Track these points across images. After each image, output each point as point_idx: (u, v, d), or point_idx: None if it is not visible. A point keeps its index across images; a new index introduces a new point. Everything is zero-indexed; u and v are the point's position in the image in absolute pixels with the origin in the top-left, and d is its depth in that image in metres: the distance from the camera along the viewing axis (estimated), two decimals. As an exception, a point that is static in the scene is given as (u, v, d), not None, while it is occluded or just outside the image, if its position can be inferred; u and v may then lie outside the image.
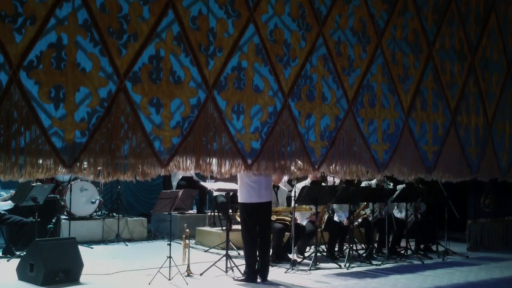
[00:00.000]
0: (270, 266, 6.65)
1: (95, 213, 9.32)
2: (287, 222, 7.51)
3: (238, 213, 7.17)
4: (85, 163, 5.06)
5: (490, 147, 8.32)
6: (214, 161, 5.67)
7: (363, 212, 8.43)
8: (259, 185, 6.36)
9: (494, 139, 8.36)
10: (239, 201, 6.49)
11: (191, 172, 10.43)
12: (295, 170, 6.29)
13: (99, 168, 5.16)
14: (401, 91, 7.22)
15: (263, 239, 6.42)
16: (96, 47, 4.86)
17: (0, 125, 4.57)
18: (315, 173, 6.61)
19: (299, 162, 6.70)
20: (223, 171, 5.81)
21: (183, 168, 5.54)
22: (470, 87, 8.01)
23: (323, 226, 8.08)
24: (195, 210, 10.46)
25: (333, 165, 6.59)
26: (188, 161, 5.55)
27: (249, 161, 5.88)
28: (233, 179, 7.35)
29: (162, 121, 5.33)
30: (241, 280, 6.33)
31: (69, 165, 4.91)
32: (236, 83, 5.75)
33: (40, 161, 4.76)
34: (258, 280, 6.31)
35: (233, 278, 6.44)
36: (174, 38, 5.29)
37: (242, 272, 6.42)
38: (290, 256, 7.30)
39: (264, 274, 6.38)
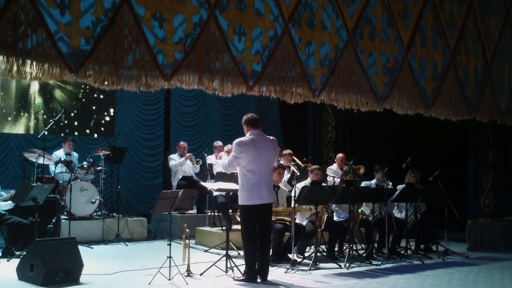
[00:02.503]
0: (270, 266, 6.64)
1: (95, 213, 9.31)
2: (287, 222, 7.50)
3: (238, 214, 7.16)
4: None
5: (489, 88, 8.46)
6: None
7: (360, 211, 8.44)
8: (259, 186, 6.24)
9: (493, 81, 8.52)
10: (239, 203, 6.42)
11: (191, 172, 10.45)
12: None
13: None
14: (400, 26, 7.36)
15: (263, 240, 6.38)
16: None
17: (7, 26, 4.76)
18: (315, 99, 6.69)
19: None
20: (225, 90, 5.95)
21: (186, 84, 5.70)
22: (469, 28, 8.16)
23: (323, 226, 8.08)
24: (195, 210, 10.46)
25: (333, 94, 6.79)
26: (191, 77, 5.74)
27: (251, 82, 6.07)
28: (233, 179, 7.35)
29: (165, 36, 5.50)
30: (241, 280, 6.31)
31: (74, 70, 5.11)
32: (237, 4, 5.91)
33: (47, 65, 4.98)
34: (258, 280, 6.31)
35: (233, 278, 6.43)
36: None
37: (242, 272, 6.41)
38: (290, 256, 7.29)
39: (264, 274, 6.36)
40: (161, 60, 5.54)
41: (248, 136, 6.35)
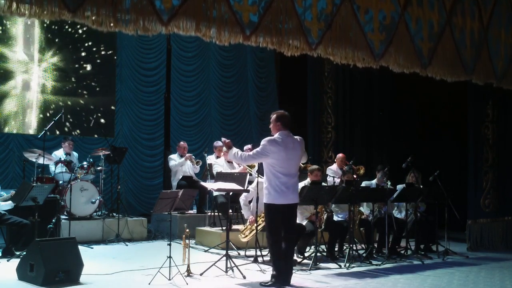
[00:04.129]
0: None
1: (95, 213, 9.31)
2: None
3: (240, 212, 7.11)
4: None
5: (485, 51, 8.56)
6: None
7: (358, 211, 8.45)
8: (287, 188, 6.09)
9: (489, 44, 8.59)
10: (264, 201, 6.25)
11: (191, 172, 10.45)
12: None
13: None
14: None
15: (287, 242, 6.20)
16: None
17: None
18: (311, 53, 6.71)
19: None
20: (222, 39, 6.07)
21: (184, 30, 5.82)
22: None
23: (323, 226, 8.07)
24: (195, 210, 10.46)
25: (330, 48, 6.89)
26: (188, 24, 5.84)
27: (247, 32, 6.16)
28: (233, 179, 7.35)
29: None
30: (268, 286, 6.12)
31: (72, 10, 5.22)
32: None
33: (46, 4, 5.10)
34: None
35: (260, 283, 6.21)
36: None
37: (270, 276, 6.22)
38: (290, 256, 7.28)
39: (286, 277, 6.18)
40: (159, 5, 5.63)
41: (278, 136, 6.21)
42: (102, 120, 11.78)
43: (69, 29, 11.44)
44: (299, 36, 6.58)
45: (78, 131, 11.49)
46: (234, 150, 6.46)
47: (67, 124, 11.30)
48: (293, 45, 6.65)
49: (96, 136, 11.58)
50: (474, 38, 8.37)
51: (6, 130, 10.80)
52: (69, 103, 11.39)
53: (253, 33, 6.21)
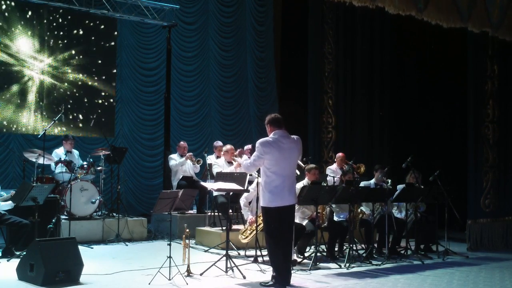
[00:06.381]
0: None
1: (95, 213, 9.31)
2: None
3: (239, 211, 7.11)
4: None
5: (481, 0, 8.64)
6: None
7: (360, 210, 8.45)
8: (282, 189, 6.05)
9: None
10: (261, 204, 6.21)
11: (191, 172, 10.45)
12: None
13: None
14: None
15: (286, 243, 6.16)
16: None
17: None
18: None
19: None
20: None
21: None
22: None
23: (326, 223, 8.05)
24: (195, 210, 10.46)
25: None
26: None
27: None
28: (233, 179, 7.35)
29: None
30: (269, 286, 6.11)
31: None
32: None
33: None
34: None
35: (260, 283, 6.21)
36: None
37: (270, 277, 6.23)
38: (290, 256, 7.28)
39: (286, 278, 6.15)
40: None
41: (272, 136, 6.19)
42: (102, 120, 11.79)
43: (70, 29, 11.44)
44: None
45: (78, 130, 11.49)
46: (242, 158, 6.47)
47: (67, 124, 11.30)
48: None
49: (95, 135, 11.57)
50: None
51: (6, 130, 10.79)
52: (69, 102, 11.39)
53: None
